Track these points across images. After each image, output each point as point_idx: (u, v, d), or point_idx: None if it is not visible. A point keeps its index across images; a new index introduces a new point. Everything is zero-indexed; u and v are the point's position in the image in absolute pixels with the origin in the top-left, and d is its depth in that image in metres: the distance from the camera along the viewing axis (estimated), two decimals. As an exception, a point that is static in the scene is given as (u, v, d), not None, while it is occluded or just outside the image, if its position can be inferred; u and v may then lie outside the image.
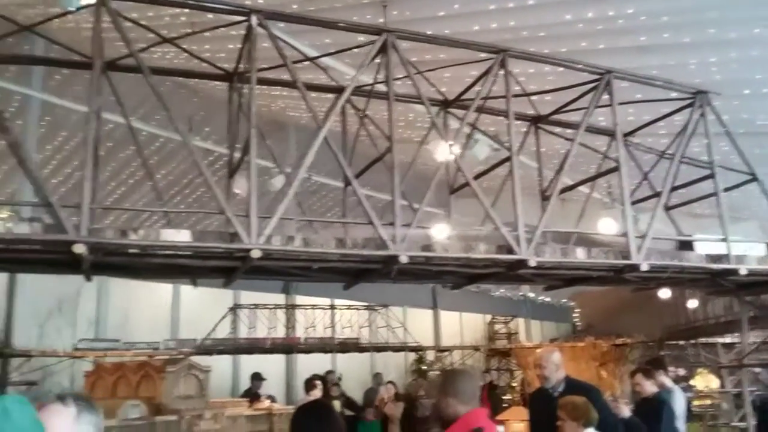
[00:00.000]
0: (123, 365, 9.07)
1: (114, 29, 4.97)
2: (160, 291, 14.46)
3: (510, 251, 5.44)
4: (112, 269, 5.00)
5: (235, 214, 4.85)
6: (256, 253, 4.70)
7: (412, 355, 16.91)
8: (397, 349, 14.77)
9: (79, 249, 4.30)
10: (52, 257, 4.56)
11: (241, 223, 4.81)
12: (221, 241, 4.86)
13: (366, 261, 5.23)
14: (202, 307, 14.70)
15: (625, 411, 5.60)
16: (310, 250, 4.92)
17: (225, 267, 5.34)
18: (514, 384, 18.06)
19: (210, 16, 10.97)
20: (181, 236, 4.77)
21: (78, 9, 8.03)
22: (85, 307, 13.37)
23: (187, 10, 6.82)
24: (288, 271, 5.34)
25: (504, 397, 15.65)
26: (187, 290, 14.53)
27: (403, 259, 4.99)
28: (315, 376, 8.78)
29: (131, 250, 4.64)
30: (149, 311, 14.42)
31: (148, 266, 5.04)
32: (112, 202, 16.73)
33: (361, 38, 5.85)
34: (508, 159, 6.00)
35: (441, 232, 5.64)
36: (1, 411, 2.03)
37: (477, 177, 6.41)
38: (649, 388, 6.16)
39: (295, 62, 5.81)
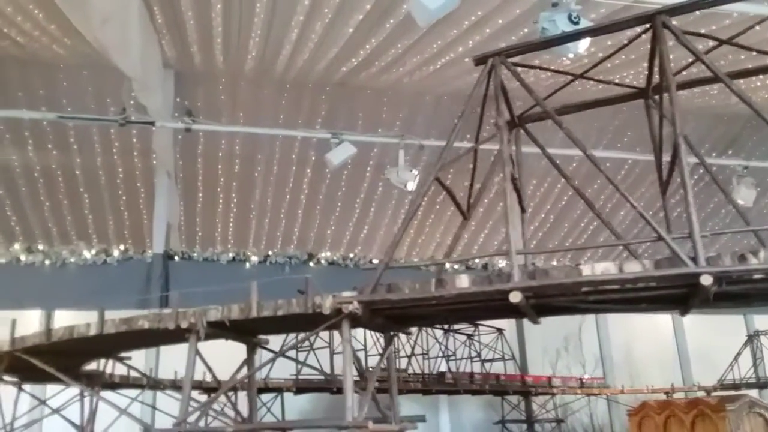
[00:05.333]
0: (671, 403, 8.55)
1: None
2: (660, 322, 13.75)
3: None
4: (728, 300, 4.55)
5: None
6: None
7: None
8: None
9: (706, 281, 3.95)
10: (667, 293, 4.35)
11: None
12: None
13: None
14: (709, 337, 13.40)
15: None
16: None
17: None
18: None
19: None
20: (806, 253, 4.02)
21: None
22: (588, 345, 13.55)
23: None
24: None
25: None
26: (688, 320, 13.50)
27: None
28: None
29: (756, 276, 4.11)
30: (651, 345, 13.81)
31: (773, 292, 4.41)
32: (588, 236, 17.03)
33: None
34: None
35: None
36: None
37: None
38: None
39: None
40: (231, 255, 13.64)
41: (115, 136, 14.40)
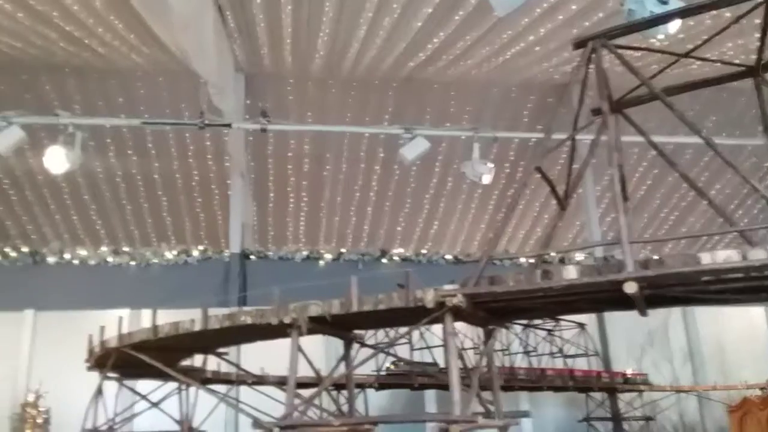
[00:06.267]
0: (776, 399, 8.09)
1: None
2: (752, 315, 13.09)
3: None
4: None
5: None
6: None
7: None
8: None
9: None
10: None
11: None
12: None
13: None
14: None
15: None
16: None
17: None
18: None
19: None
20: None
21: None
22: (676, 339, 13.02)
23: None
24: None
25: None
26: (784, 311, 12.86)
27: None
28: None
29: None
30: (744, 338, 13.16)
31: None
32: (669, 228, 16.43)
33: None
34: None
35: None
36: None
37: None
38: None
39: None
40: (305, 253, 13.78)
41: (190, 140, 14.81)
